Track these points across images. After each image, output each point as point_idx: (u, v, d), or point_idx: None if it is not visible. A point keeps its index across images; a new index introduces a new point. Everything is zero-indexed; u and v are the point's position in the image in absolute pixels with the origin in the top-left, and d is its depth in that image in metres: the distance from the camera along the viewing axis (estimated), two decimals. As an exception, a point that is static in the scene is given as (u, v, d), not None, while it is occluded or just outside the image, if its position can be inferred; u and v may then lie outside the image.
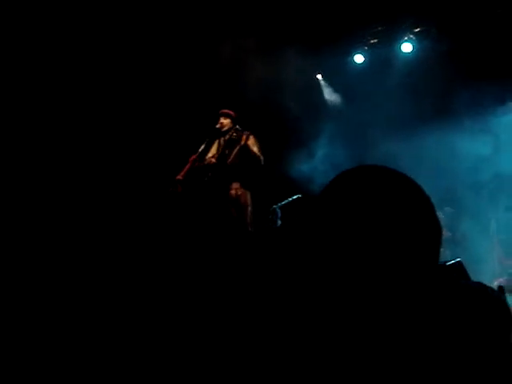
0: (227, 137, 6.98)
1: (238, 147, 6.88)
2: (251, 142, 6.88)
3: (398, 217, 1.08)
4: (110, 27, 7.40)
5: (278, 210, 6.96)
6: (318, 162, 8.59)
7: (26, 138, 7.00)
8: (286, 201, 7.07)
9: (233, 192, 6.75)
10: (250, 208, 6.78)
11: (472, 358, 1.08)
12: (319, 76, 9.94)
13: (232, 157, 6.85)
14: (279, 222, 6.98)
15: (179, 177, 6.80)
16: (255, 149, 6.83)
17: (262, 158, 6.83)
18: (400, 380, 1.03)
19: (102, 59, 7.57)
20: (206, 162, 6.96)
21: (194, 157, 6.90)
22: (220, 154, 6.93)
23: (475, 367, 1.07)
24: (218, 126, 7.02)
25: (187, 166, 6.85)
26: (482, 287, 1.28)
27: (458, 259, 2.78)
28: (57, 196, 6.88)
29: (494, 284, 6.06)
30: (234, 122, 7.06)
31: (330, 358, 1.07)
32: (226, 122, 7.04)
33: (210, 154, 7.01)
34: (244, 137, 6.90)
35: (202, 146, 7.01)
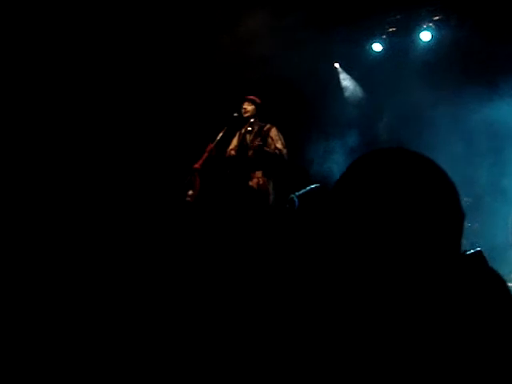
0: (249, 127, 6.93)
1: (259, 139, 6.83)
2: (273, 134, 6.81)
3: (421, 202, 1.05)
4: (117, 21, 7.40)
5: (296, 199, 6.95)
6: (336, 151, 8.56)
7: (28, 138, 7.03)
8: (304, 190, 7.06)
9: (255, 181, 6.70)
10: (271, 197, 6.74)
11: (485, 350, 1.07)
12: (337, 65, 9.89)
13: (252, 150, 6.79)
14: (296, 211, 6.96)
15: (197, 166, 6.75)
16: (279, 144, 6.74)
17: (285, 152, 6.74)
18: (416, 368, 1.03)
19: (117, 48, 7.57)
20: (226, 155, 6.92)
21: (211, 146, 6.85)
22: (240, 146, 6.87)
23: (487, 360, 1.06)
24: (242, 110, 6.94)
25: (205, 155, 6.81)
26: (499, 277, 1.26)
27: (478, 249, 2.76)
28: (66, 187, 6.92)
29: (512, 275, 6.03)
30: (257, 108, 6.98)
31: (339, 350, 1.07)
32: (249, 108, 6.94)
33: (231, 146, 6.98)
34: (265, 129, 6.85)
35: (220, 134, 6.94)
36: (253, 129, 6.88)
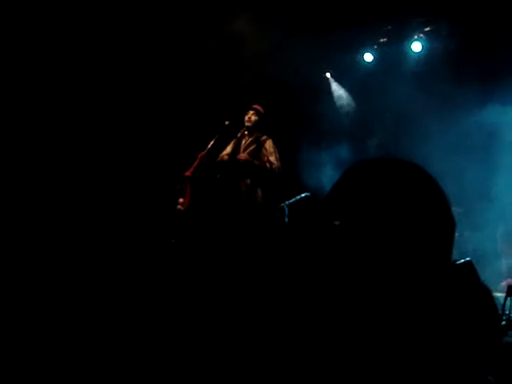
0: (245, 132, 6.91)
1: (253, 147, 6.80)
2: (268, 146, 6.78)
3: (412, 211, 1.06)
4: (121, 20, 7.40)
5: (286, 208, 6.95)
6: (326, 160, 8.58)
7: (28, 138, 7.02)
8: (294, 199, 7.05)
9: (243, 189, 6.66)
10: (260, 205, 6.69)
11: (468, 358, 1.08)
12: (328, 74, 9.93)
13: (246, 154, 6.76)
14: (286, 220, 6.97)
15: (188, 173, 6.73)
16: (272, 157, 6.69)
17: (276, 165, 6.68)
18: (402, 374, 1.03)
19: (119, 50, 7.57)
20: (218, 160, 6.90)
21: (202, 153, 6.82)
22: (233, 152, 6.85)
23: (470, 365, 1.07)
24: (245, 117, 6.90)
25: (196, 163, 6.79)
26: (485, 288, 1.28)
27: (468, 259, 2.78)
28: (62, 193, 6.90)
29: (503, 284, 6.06)
30: (260, 119, 6.93)
31: (332, 357, 1.08)
32: (253, 118, 6.91)
33: (224, 151, 6.95)
34: (262, 139, 6.82)
35: (212, 142, 6.89)
36: (249, 136, 6.87)
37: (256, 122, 6.92)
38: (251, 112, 6.95)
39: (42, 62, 7.18)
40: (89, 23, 7.25)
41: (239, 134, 6.91)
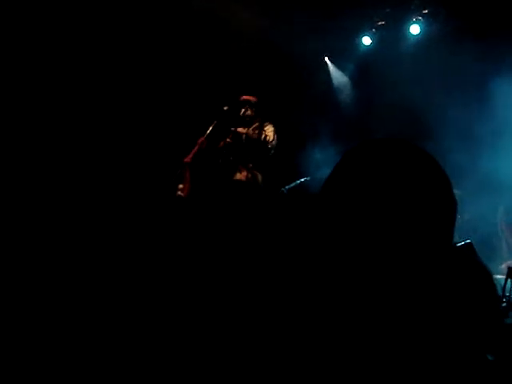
0: (246, 129, 6.90)
1: (252, 132, 6.81)
2: (268, 128, 6.81)
3: (413, 192, 1.06)
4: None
5: (286, 192, 6.95)
6: (325, 145, 8.57)
7: (28, 138, 7.01)
8: (294, 183, 7.06)
9: (244, 174, 6.68)
10: (261, 190, 6.71)
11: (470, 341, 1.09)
12: (326, 58, 9.90)
13: (245, 141, 6.78)
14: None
15: (187, 159, 6.74)
16: (269, 133, 6.74)
17: (272, 141, 6.73)
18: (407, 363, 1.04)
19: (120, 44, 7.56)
20: (219, 146, 6.91)
21: (202, 139, 6.82)
22: (233, 137, 6.86)
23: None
24: (241, 113, 6.91)
25: (195, 149, 6.79)
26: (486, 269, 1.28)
27: (468, 241, 2.78)
28: (62, 183, 6.90)
29: (503, 266, 6.07)
30: (254, 107, 6.94)
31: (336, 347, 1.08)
32: (247, 109, 6.92)
33: (225, 137, 6.97)
34: (263, 123, 6.84)
35: (211, 128, 6.87)
36: (249, 121, 6.87)
37: (250, 111, 6.93)
38: (243, 105, 6.94)
39: (42, 63, 7.16)
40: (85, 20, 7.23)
41: (239, 129, 6.91)
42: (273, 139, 6.74)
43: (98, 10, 7.31)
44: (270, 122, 6.87)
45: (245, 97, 6.99)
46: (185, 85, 8.10)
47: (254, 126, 6.86)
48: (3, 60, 6.82)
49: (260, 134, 6.75)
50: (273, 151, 6.81)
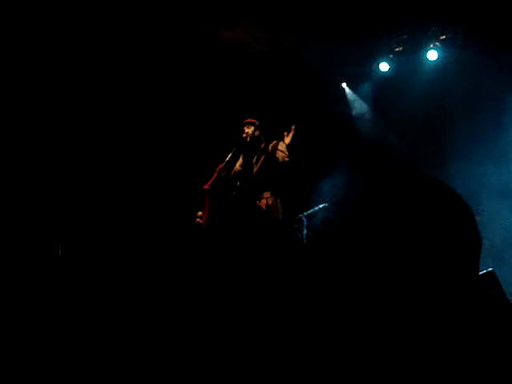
0: (253, 147, 6.90)
1: (263, 157, 6.80)
2: (281, 147, 6.78)
3: (439, 227, 1.06)
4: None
5: (304, 219, 6.94)
6: (344, 172, 8.56)
7: (30, 139, 7.06)
8: (312, 210, 7.04)
9: (263, 202, 6.64)
10: (280, 217, 6.69)
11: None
12: (344, 84, 9.93)
13: (258, 166, 6.79)
14: (305, 231, 6.95)
15: (206, 186, 6.74)
16: (280, 155, 6.69)
17: (285, 155, 6.68)
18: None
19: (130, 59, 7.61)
20: (232, 173, 6.91)
21: (220, 166, 6.82)
22: (245, 164, 6.86)
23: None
24: (243, 135, 6.93)
25: (214, 175, 6.79)
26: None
27: (490, 269, 2.74)
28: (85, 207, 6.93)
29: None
30: (257, 129, 6.94)
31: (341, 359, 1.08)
32: (249, 130, 6.91)
33: (237, 165, 6.96)
34: (272, 145, 6.84)
35: (230, 155, 6.88)
36: (257, 148, 6.87)
37: (253, 133, 6.92)
38: (245, 127, 6.95)
39: (43, 63, 7.21)
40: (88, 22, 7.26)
41: (247, 150, 6.91)
42: (286, 155, 6.71)
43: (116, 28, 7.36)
44: (278, 140, 6.85)
45: (246, 119, 7.03)
46: (205, 112, 8.16)
47: (263, 146, 6.85)
48: (3, 60, 6.88)
49: (273, 152, 6.73)
50: (288, 167, 6.77)
